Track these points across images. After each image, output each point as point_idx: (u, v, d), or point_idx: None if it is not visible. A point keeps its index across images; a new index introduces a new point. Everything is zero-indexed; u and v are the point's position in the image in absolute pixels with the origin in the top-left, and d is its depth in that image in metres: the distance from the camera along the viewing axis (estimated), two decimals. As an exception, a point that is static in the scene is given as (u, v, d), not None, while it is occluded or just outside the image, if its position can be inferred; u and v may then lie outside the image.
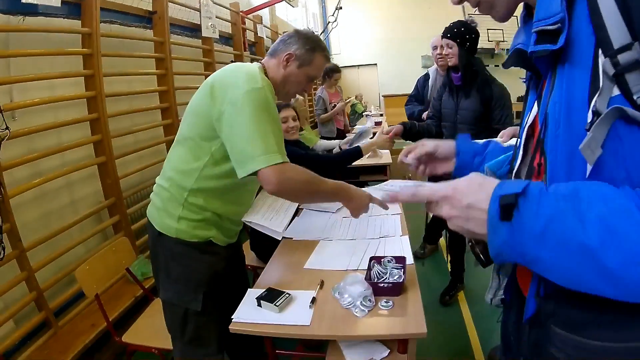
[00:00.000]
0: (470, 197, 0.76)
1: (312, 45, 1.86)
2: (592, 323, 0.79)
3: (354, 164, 4.67)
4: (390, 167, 4.85)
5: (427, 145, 1.33)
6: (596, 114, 0.68)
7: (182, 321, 1.82)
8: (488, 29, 13.83)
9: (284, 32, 7.34)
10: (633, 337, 0.76)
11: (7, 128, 2.34)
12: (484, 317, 3.14)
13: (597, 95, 0.69)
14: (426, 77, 4.43)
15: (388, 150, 5.14)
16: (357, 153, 3.03)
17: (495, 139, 1.35)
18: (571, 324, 0.82)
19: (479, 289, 3.55)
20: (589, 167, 0.71)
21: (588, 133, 0.68)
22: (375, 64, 16.89)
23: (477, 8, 0.94)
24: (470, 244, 1.05)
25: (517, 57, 0.91)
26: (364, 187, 2.36)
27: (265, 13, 8.15)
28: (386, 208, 2.07)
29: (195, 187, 1.73)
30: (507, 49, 15.29)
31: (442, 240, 4.49)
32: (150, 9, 4.13)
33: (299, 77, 1.88)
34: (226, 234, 1.92)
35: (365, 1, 16.23)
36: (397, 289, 1.71)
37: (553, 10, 0.75)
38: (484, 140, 1.32)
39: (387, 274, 1.78)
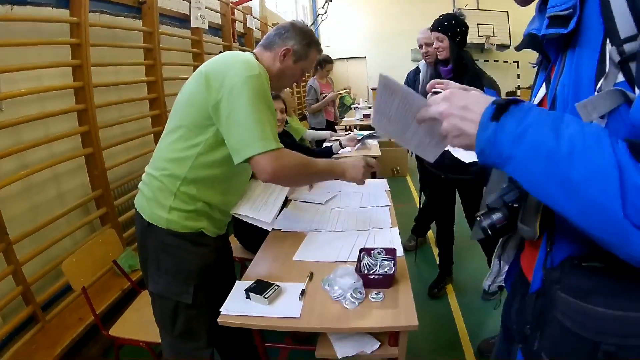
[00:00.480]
0: (468, 99, 0.85)
1: (309, 40, 1.92)
2: (597, 290, 0.83)
3: (342, 155, 4.71)
4: (380, 160, 4.84)
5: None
6: None
7: (172, 314, 1.80)
8: (478, 24, 13.91)
9: (273, 24, 7.33)
10: (630, 305, 0.80)
11: (-6, 119, 2.30)
12: (473, 310, 3.17)
13: (603, 78, 0.75)
14: (416, 71, 4.34)
15: (376, 142, 5.15)
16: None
17: None
18: (576, 290, 0.86)
19: (467, 281, 3.59)
20: None
21: (589, 97, 0.75)
22: (365, 57, 16.91)
23: None
24: (477, 218, 1.06)
25: (530, 41, 0.97)
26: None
27: (255, 4, 8.11)
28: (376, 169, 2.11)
29: (189, 176, 1.72)
30: (496, 44, 15.41)
31: (430, 233, 4.51)
32: (140, -1, 4.08)
33: (294, 71, 1.94)
34: (216, 225, 1.91)
35: (354, -6, 16.19)
36: (387, 281, 1.70)
37: None
38: None
39: (378, 266, 1.77)
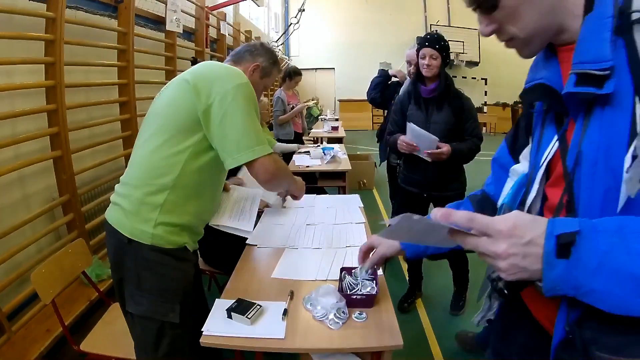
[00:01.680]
0: (530, 233, 0.75)
1: (274, 59, 2.07)
2: (632, 344, 0.82)
3: (312, 168, 4.71)
4: (348, 173, 4.87)
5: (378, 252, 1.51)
6: (635, 157, 0.73)
7: (157, 335, 1.73)
8: (449, 40, 14.20)
9: (246, 31, 7.31)
10: None
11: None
12: (443, 323, 3.23)
13: (636, 140, 0.73)
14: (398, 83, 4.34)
15: (346, 157, 5.18)
16: None
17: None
18: (614, 347, 0.84)
19: (436, 296, 3.63)
20: (621, 204, 0.77)
21: (630, 168, 0.73)
22: (333, 68, 17.02)
23: (506, 44, 0.94)
24: (491, 280, 1.03)
25: (541, 92, 0.94)
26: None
27: (229, 10, 8.05)
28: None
29: (177, 184, 1.68)
30: (466, 61, 15.78)
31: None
32: (117, -2, 4.00)
33: (258, 86, 2.04)
34: (195, 239, 1.89)
35: (327, 4, 16.35)
36: (370, 301, 1.70)
37: (603, 55, 0.78)
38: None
39: (359, 285, 1.76)
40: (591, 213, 0.82)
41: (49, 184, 3.20)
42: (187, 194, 1.73)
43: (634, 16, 0.77)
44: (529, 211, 0.99)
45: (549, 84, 0.91)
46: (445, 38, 2.93)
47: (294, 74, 6.04)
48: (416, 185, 3.17)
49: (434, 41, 2.88)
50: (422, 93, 2.99)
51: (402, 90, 4.00)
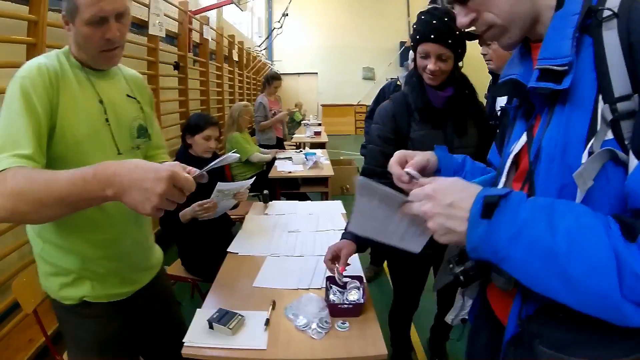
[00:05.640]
0: (452, 196, 0.81)
1: None
2: (576, 343, 0.84)
3: (294, 174, 4.70)
4: (331, 179, 4.87)
5: (419, 157, 1.15)
6: (591, 154, 0.75)
7: None
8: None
9: (229, 35, 7.24)
10: (611, 355, 0.81)
11: None
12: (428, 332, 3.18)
13: (593, 138, 0.76)
14: (395, 87, 3.50)
15: (329, 162, 5.18)
16: None
17: (467, 156, 1.28)
18: (556, 343, 0.86)
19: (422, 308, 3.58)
20: (579, 197, 0.78)
21: (582, 164, 0.76)
22: (316, 73, 17.05)
23: (484, 34, 0.96)
24: (450, 265, 1.06)
25: (511, 88, 0.97)
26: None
27: (212, 14, 8.01)
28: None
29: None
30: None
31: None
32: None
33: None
34: (112, 284, 1.53)
35: (310, 9, 16.39)
36: (357, 310, 1.70)
37: (562, 52, 0.81)
38: (460, 155, 1.27)
39: (345, 294, 1.76)
40: None
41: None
42: (58, 229, 1.42)
43: (603, 14, 0.78)
44: None
45: (519, 80, 0.94)
46: (453, 23, 1.73)
47: (271, 79, 6.04)
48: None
49: (443, 33, 1.76)
50: (433, 101, 1.92)
51: (395, 98, 2.11)
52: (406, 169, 1.05)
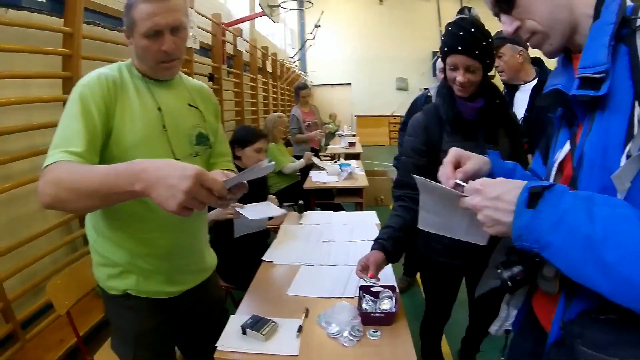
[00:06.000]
0: (498, 189, 0.87)
1: None
2: (616, 343, 0.86)
3: (329, 185, 4.71)
4: (365, 190, 4.87)
5: (472, 161, 1.14)
6: (629, 157, 0.79)
7: None
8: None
9: (262, 47, 7.32)
10: None
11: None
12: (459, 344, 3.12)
13: (631, 141, 0.80)
14: (426, 99, 3.46)
15: (363, 173, 5.17)
16: None
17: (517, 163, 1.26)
18: (597, 344, 0.88)
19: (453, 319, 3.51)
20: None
21: (620, 166, 0.80)
22: (350, 84, 17.07)
23: (528, 41, 1.02)
24: (498, 270, 1.09)
25: (555, 97, 1.01)
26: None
27: (245, 26, 8.14)
28: None
29: (98, 212, 1.52)
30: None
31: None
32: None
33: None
34: (157, 281, 1.59)
35: (343, 20, 16.45)
36: (389, 319, 1.69)
37: (599, 59, 0.85)
38: (511, 162, 1.27)
39: (378, 303, 1.76)
40: None
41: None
42: (109, 223, 1.52)
43: (637, 23, 0.84)
44: None
45: (562, 89, 0.98)
46: (485, 30, 1.79)
47: (298, 89, 6.07)
48: (448, 255, 2.09)
49: (470, 44, 1.75)
50: (463, 113, 1.92)
51: (427, 109, 2.09)
52: (456, 180, 1.06)
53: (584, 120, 0.94)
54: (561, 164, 1.04)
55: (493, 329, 1.28)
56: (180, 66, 1.56)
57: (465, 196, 0.94)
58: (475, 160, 1.13)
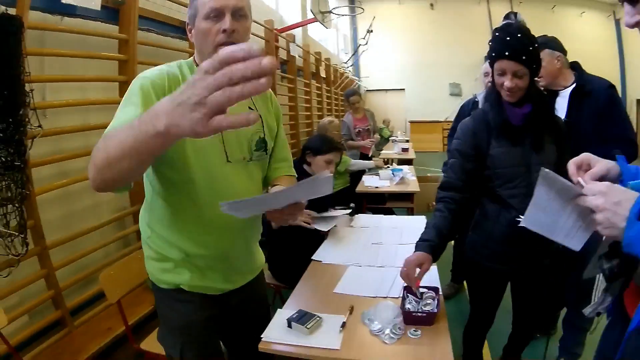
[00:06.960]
0: (620, 196, 0.93)
1: None
2: None
3: (381, 189, 4.72)
4: (417, 195, 4.85)
5: (600, 165, 1.15)
6: None
7: None
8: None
9: (315, 52, 7.32)
10: None
11: (39, 126, 2.36)
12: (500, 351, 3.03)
13: None
14: (474, 104, 3.47)
15: (415, 178, 5.15)
16: None
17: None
18: None
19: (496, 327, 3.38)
20: None
21: None
22: (403, 89, 16.92)
23: None
24: (600, 261, 1.15)
25: None
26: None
27: (297, 32, 8.22)
28: None
29: (152, 208, 1.57)
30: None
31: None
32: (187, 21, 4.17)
33: None
34: (210, 278, 1.61)
35: (395, 25, 16.33)
36: (431, 319, 1.71)
37: None
38: (634, 166, 1.24)
39: (420, 304, 1.77)
40: None
41: (121, 194, 3.37)
42: (162, 220, 1.55)
43: None
44: None
45: None
46: (531, 35, 1.83)
47: (347, 96, 6.04)
48: (495, 260, 2.08)
49: (518, 49, 1.78)
50: (511, 118, 1.92)
51: (475, 114, 2.11)
52: (579, 178, 1.10)
53: None
54: None
55: (587, 310, 1.32)
56: None
57: (585, 195, 1.00)
58: (603, 164, 1.16)
